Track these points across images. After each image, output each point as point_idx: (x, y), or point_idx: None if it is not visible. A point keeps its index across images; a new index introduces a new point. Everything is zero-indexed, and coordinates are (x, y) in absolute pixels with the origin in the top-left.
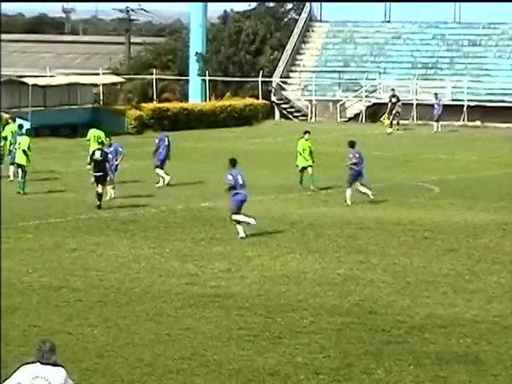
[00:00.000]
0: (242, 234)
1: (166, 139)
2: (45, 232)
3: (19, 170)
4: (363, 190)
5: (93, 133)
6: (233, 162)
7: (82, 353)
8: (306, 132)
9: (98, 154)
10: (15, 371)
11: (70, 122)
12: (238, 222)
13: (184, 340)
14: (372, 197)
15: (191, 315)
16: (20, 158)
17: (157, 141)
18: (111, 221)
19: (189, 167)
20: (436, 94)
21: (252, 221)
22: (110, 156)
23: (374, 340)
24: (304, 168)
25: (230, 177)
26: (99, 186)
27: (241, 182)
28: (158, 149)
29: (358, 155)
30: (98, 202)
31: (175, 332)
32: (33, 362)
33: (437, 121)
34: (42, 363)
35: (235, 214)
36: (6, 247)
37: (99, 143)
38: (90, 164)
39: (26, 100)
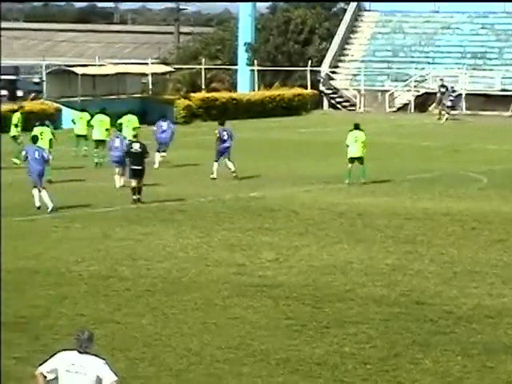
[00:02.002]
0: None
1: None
2: (93, 221)
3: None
4: (230, 165)
5: (126, 118)
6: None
7: (130, 342)
8: (357, 125)
9: (136, 146)
10: (52, 356)
11: (119, 111)
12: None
13: (231, 329)
14: (234, 174)
15: (239, 305)
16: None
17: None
18: (159, 210)
19: (237, 157)
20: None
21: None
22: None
23: (421, 330)
24: (354, 159)
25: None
26: (135, 180)
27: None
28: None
29: (225, 132)
30: (137, 196)
31: (223, 321)
32: (71, 350)
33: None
34: (79, 352)
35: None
36: (55, 236)
37: (134, 134)
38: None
39: (75, 89)
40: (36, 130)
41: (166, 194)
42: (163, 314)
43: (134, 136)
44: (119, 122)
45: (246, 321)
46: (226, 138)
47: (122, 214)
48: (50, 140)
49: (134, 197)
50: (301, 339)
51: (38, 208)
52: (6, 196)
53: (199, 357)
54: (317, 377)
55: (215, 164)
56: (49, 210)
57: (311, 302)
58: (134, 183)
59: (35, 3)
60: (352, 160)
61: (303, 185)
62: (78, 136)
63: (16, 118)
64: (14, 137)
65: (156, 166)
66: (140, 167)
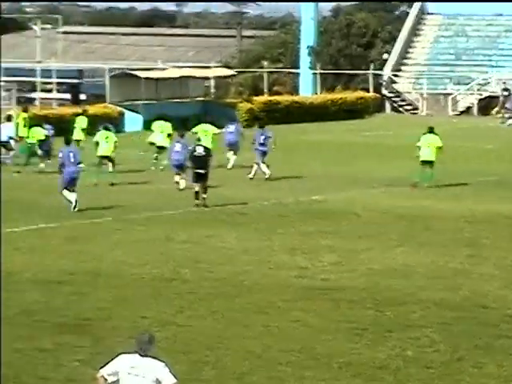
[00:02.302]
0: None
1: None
2: (156, 224)
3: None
4: (264, 169)
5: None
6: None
7: (192, 345)
8: (431, 129)
9: (200, 150)
10: (112, 359)
11: (182, 114)
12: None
13: (293, 332)
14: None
15: (300, 308)
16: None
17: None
18: (221, 213)
19: (299, 160)
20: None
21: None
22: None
23: (484, 334)
24: (426, 162)
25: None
26: (198, 183)
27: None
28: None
29: (262, 137)
30: (200, 201)
31: (284, 324)
32: (131, 353)
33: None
34: (140, 355)
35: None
36: (119, 239)
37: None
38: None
39: (138, 93)
40: (100, 135)
41: (229, 196)
42: (225, 317)
43: (198, 140)
44: (194, 131)
45: (307, 324)
46: (262, 141)
47: (184, 216)
48: (115, 143)
49: (197, 201)
50: (362, 343)
51: (74, 208)
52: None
53: (261, 360)
54: (379, 380)
55: (256, 166)
56: (71, 208)
57: (373, 305)
58: (197, 187)
59: (98, 7)
60: (423, 163)
61: (365, 187)
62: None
63: (83, 121)
64: (77, 140)
65: (229, 166)
66: (203, 171)
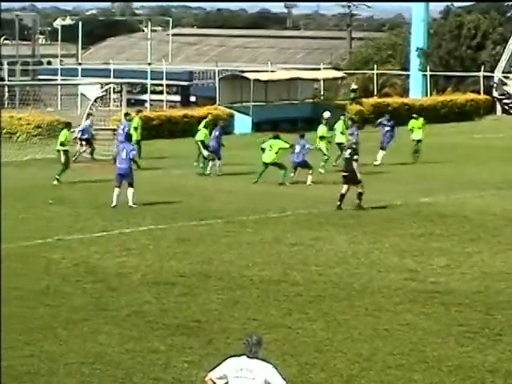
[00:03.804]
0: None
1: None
2: (265, 226)
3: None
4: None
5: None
6: None
7: (301, 347)
8: None
9: (347, 152)
10: (221, 363)
11: (291, 116)
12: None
13: (403, 335)
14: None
15: (410, 311)
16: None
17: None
18: (330, 215)
19: (408, 162)
20: None
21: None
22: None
23: None
24: None
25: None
26: (345, 186)
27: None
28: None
29: (298, 146)
30: (339, 203)
31: (394, 327)
32: (239, 355)
33: None
34: (248, 357)
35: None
36: (228, 240)
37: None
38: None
39: (247, 95)
40: (269, 143)
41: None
42: (334, 320)
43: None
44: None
45: (417, 327)
46: (297, 150)
47: (293, 218)
48: (279, 150)
49: (339, 203)
50: (473, 346)
51: (113, 207)
52: (178, 200)
53: (370, 362)
54: None
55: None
56: (129, 204)
57: (483, 308)
58: (343, 190)
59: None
60: None
61: (475, 190)
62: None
63: (135, 121)
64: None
65: (377, 162)
66: (347, 173)
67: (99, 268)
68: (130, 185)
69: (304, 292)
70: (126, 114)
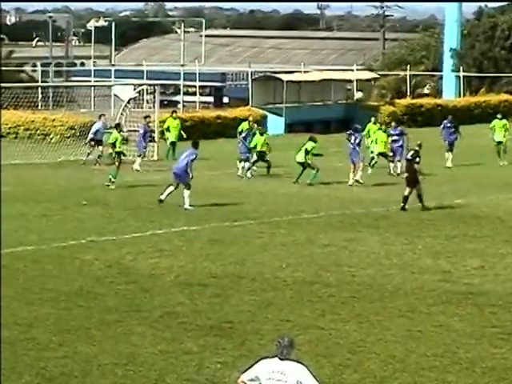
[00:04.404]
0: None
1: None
2: (298, 227)
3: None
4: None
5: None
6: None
7: (335, 348)
8: None
9: (409, 154)
10: (253, 365)
11: (324, 118)
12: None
13: (436, 337)
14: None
15: (444, 312)
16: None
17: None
18: (363, 217)
19: (442, 163)
20: None
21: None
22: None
23: None
24: None
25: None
26: (408, 188)
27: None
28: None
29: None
30: (405, 205)
31: (427, 329)
32: (271, 357)
33: None
34: (280, 358)
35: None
36: (261, 242)
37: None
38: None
39: (280, 96)
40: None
41: (371, 199)
42: (368, 321)
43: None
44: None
45: (451, 328)
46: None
47: (326, 219)
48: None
49: (403, 204)
50: (507, 348)
51: (160, 201)
52: (211, 201)
53: (404, 364)
54: None
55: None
56: (185, 207)
57: None
58: (406, 192)
59: (241, 10)
60: None
61: (508, 191)
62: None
63: (168, 122)
64: (172, 142)
65: (449, 164)
66: (407, 174)
67: (132, 269)
68: (186, 187)
69: (337, 293)
70: (146, 117)
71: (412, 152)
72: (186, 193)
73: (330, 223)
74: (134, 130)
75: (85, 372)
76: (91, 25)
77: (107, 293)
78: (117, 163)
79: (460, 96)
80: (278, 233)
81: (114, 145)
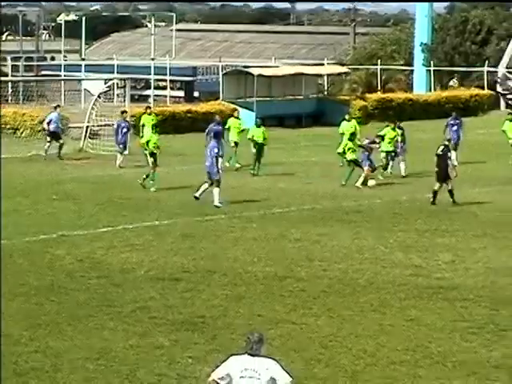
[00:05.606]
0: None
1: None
2: (269, 222)
3: None
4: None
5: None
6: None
7: (306, 343)
8: None
9: (439, 149)
10: (224, 361)
11: (295, 112)
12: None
13: (408, 331)
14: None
15: (415, 306)
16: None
17: None
18: (335, 211)
19: (413, 158)
20: None
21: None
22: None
23: None
24: None
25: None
26: (437, 183)
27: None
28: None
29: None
30: (433, 201)
31: (399, 323)
32: (241, 354)
33: None
34: (250, 355)
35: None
36: (233, 236)
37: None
38: None
39: (251, 90)
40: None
41: (343, 194)
42: (339, 315)
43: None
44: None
45: (422, 323)
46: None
47: (298, 214)
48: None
49: (432, 199)
50: (478, 342)
51: (196, 198)
52: (183, 196)
53: (375, 358)
54: (494, 380)
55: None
56: (215, 204)
57: (488, 304)
58: (435, 187)
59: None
60: None
61: (481, 186)
62: None
63: (143, 119)
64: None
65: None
66: (437, 169)
67: (103, 264)
68: (216, 183)
69: (308, 288)
70: (123, 112)
71: (442, 147)
72: (216, 190)
73: (301, 218)
74: (105, 125)
75: (56, 367)
76: (61, 19)
77: (78, 287)
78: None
79: (431, 90)
80: (249, 227)
81: (147, 144)
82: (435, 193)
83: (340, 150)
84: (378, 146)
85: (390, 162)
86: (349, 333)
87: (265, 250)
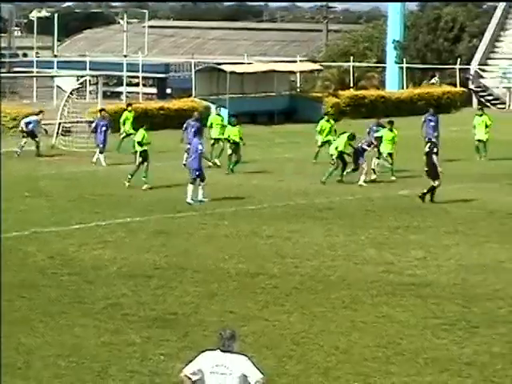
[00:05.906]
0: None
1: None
2: (241, 219)
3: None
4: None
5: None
6: None
7: (278, 339)
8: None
9: (426, 148)
10: (196, 357)
11: (268, 109)
12: None
13: (380, 328)
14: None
15: (387, 303)
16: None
17: None
18: (307, 208)
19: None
20: None
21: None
22: None
23: None
24: None
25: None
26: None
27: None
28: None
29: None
30: (430, 197)
31: (371, 320)
32: (214, 350)
33: None
34: (222, 351)
35: None
36: (205, 233)
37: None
38: None
39: (224, 87)
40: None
41: (315, 191)
42: (311, 312)
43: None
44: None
45: (394, 320)
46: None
47: (270, 211)
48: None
49: (431, 197)
50: (449, 338)
51: (189, 204)
52: (156, 193)
53: (347, 355)
54: (466, 376)
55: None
56: (198, 199)
57: (460, 301)
58: (434, 183)
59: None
60: None
61: (453, 183)
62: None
63: (124, 115)
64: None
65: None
66: (426, 168)
67: (75, 261)
68: (192, 181)
69: (280, 284)
70: (101, 110)
71: (429, 144)
72: (201, 185)
73: (273, 214)
74: (77, 122)
75: (28, 363)
76: (34, 15)
77: (50, 284)
78: (137, 163)
79: (403, 88)
80: (221, 224)
81: (140, 143)
82: (432, 188)
83: (332, 151)
84: (374, 148)
85: (377, 161)
86: (321, 329)
87: (237, 247)
